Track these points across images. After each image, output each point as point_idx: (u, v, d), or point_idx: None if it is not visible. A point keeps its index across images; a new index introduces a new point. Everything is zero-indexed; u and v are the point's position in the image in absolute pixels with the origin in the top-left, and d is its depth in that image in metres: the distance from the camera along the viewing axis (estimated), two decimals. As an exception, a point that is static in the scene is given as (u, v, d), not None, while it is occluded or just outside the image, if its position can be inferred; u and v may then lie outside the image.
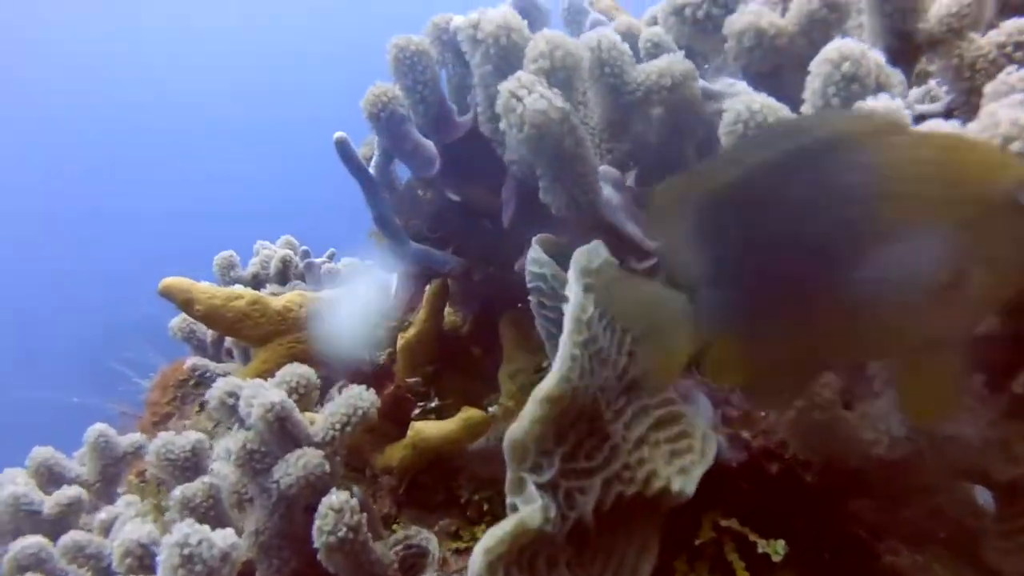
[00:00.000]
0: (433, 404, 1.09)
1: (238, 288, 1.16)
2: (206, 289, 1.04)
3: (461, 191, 0.93)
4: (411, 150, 0.90)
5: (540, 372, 1.01)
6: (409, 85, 0.83)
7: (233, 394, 0.89)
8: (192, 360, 1.39)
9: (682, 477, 0.60)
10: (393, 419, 1.08)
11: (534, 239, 0.70)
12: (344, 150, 0.96)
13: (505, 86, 0.64)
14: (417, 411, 1.09)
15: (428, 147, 0.90)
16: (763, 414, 0.73)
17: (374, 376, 1.16)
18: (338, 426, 0.87)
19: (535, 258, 0.68)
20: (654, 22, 0.92)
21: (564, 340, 0.56)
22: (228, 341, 1.41)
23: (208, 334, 1.45)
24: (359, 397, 0.89)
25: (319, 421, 0.88)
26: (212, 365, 1.40)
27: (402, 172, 1.12)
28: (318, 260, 1.61)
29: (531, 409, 0.55)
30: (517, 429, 0.55)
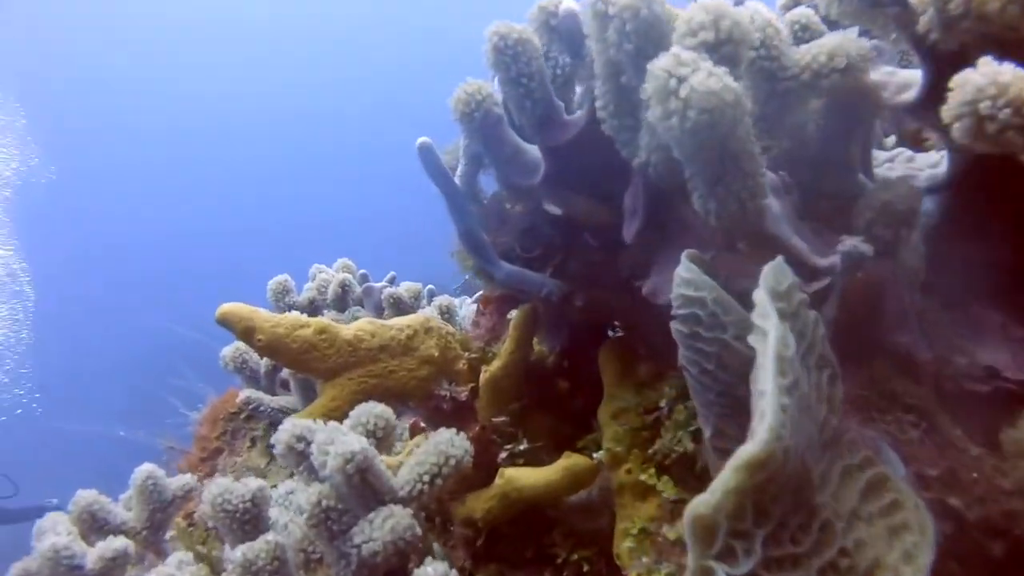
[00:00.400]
0: (522, 447, 0.96)
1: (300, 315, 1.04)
2: (268, 317, 0.93)
3: (564, 202, 0.80)
4: (509, 155, 0.78)
5: (650, 413, 0.87)
6: (512, 78, 0.71)
7: (303, 439, 0.77)
8: (246, 393, 1.28)
9: (911, 568, 0.46)
10: (476, 463, 0.94)
11: (684, 255, 0.57)
12: (428, 157, 0.84)
13: (659, 64, 0.52)
14: (504, 455, 0.96)
15: (530, 151, 0.78)
16: (974, 475, 0.58)
17: (452, 414, 1.03)
18: (427, 478, 0.74)
19: (689, 279, 0.55)
20: (793, 5, 0.79)
21: (769, 387, 0.42)
22: (284, 372, 1.30)
23: (262, 364, 1.34)
24: (450, 443, 0.76)
25: (404, 472, 0.75)
26: (266, 398, 1.29)
27: (486, 184, 1.00)
28: (378, 284, 1.50)
29: (728, 477, 0.41)
30: (705, 503, 0.41)
